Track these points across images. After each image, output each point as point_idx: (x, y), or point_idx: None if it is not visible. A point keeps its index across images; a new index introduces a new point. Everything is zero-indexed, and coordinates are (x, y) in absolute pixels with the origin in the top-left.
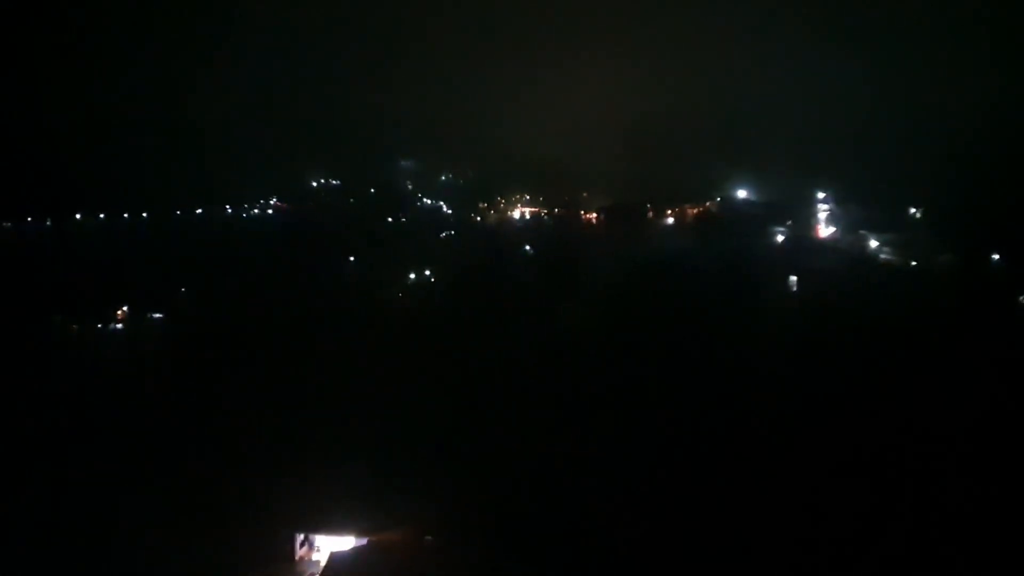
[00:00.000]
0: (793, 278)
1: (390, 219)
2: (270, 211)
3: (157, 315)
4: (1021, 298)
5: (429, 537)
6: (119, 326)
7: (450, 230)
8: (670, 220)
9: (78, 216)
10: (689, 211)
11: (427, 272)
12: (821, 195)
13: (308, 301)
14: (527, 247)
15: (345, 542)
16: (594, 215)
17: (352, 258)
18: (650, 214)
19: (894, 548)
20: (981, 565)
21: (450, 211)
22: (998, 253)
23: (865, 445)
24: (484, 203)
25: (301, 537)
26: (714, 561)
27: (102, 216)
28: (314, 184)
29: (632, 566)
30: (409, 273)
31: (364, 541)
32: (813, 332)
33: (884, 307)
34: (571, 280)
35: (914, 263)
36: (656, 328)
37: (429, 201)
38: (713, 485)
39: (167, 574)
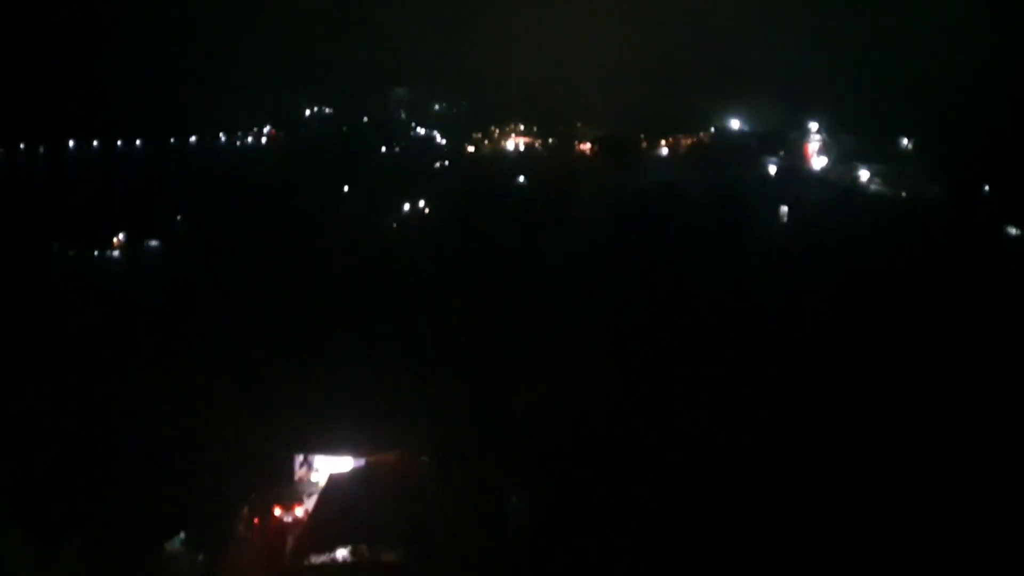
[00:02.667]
0: (784, 208)
1: (383, 148)
2: (263, 139)
3: (153, 242)
4: (1010, 229)
5: (425, 458)
6: (116, 253)
7: (444, 160)
8: (664, 150)
9: (71, 143)
10: (683, 141)
11: (421, 203)
12: (813, 125)
13: (302, 230)
14: (521, 178)
15: (343, 463)
16: (588, 145)
17: (346, 187)
18: (643, 144)
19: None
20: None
21: (444, 141)
22: (989, 184)
23: (856, 379)
24: (478, 133)
25: (300, 458)
26: (707, 488)
27: (96, 144)
28: (307, 112)
29: (626, 483)
30: (403, 203)
31: (362, 462)
32: (804, 263)
33: (874, 238)
34: (565, 211)
35: (905, 194)
36: (649, 258)
37: (423, 131)
38: (705, 413)
39: (167, 495)
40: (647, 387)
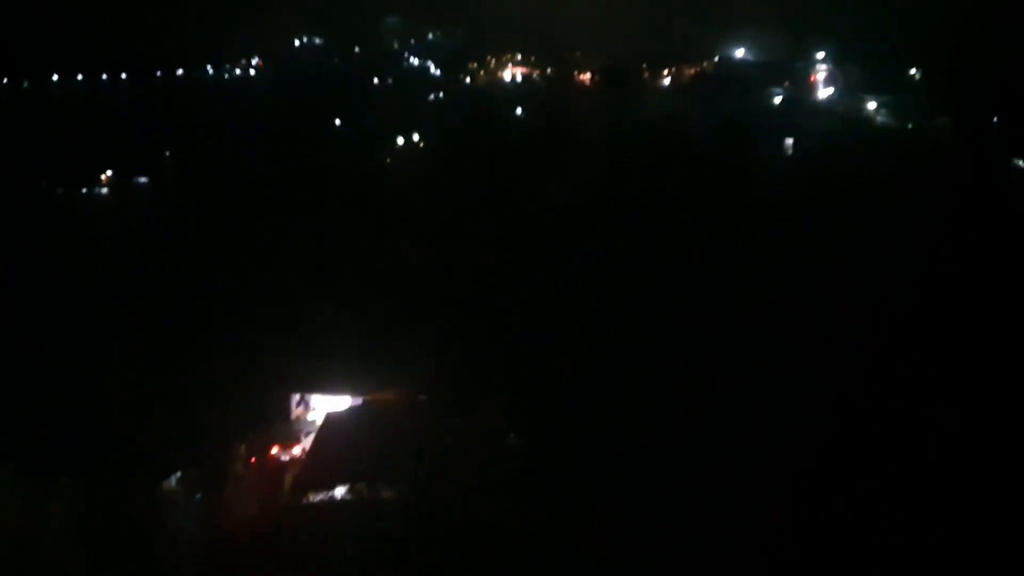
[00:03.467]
0: (789, 140)
1: (376, 80)
2: (251, 71)
3: (142, 179)
4: (1017, 160)
5: (423, 397)
6: (104, 191)
7: (438, 92)
8: (666, 81)
9: (54, 78)
10: (686, 71)
11: (415, 136)
12: (819, 55)
13: (294, 164)
14: (518, 110)
15: (340, 402)
16: (588, 76)
17: (337, 121)
18: (645, 75)
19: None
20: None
21: (438, 72)
22: (996, 116)
23: (860, 309)
24: (474, 64)
25: (297, 397)
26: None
27: (79, 78)
28: (296, 43)
29: (625, 419)
30: (397, 136)
31: (359, 401)
32: (808, 194)
33: (880, 170)
34: (564, 144)
35: (911, 126)
36: (652, 191)
37: (416, 61)
38: (707, 349)
39: (164, 434)
40: (648, 325)
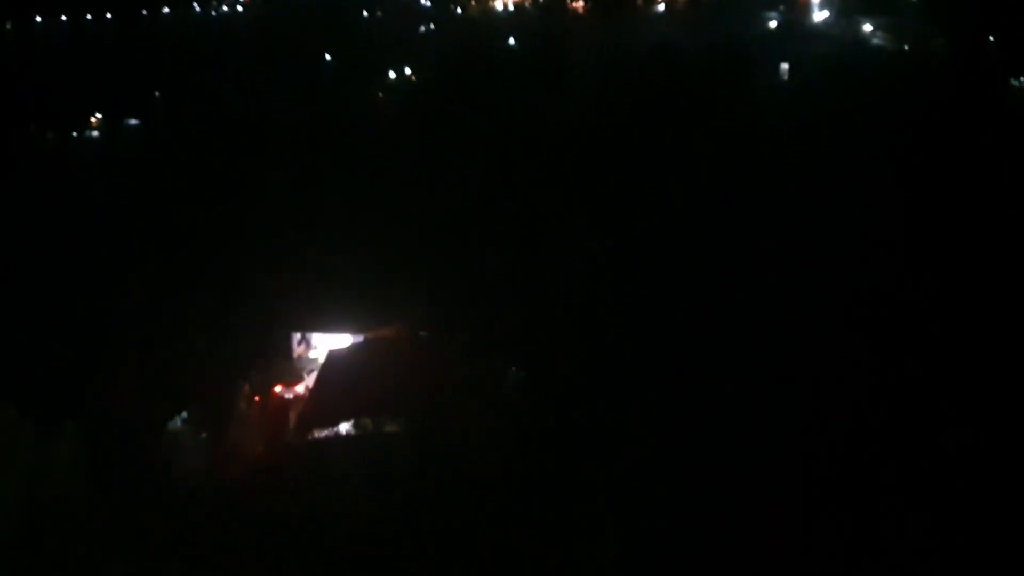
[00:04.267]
0: (785, 65)
1: (364, 12)
2: (239, 7)
3: (133, 121)
4: (1014, 81)
5: (423, 333)
6: (95, 133)
7: (429, 23)
8: (660, 6)
9: (39, 19)
10: None
11: (407, 71)
12: None
13: (286, 101)
14: (511, 40)
15: (342, 340)
16: (581, 3)
17: (327, 56)
18: (639, 1)
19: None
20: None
21: (428, 3)
22: (993, 36)
23: (857, 237)
24: None
25: (298, 336)
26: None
27: (64, 18)
28: None
29: (627, 353)
30: (388, 72)
31: (360, 338)
32: (805, 121)
33: (876, 94)
34: (559, 74)
35: (908, 47)
36: (645, 118)
37: None
38: (705, 284)
39: (168, 375)
40: (646, 261)
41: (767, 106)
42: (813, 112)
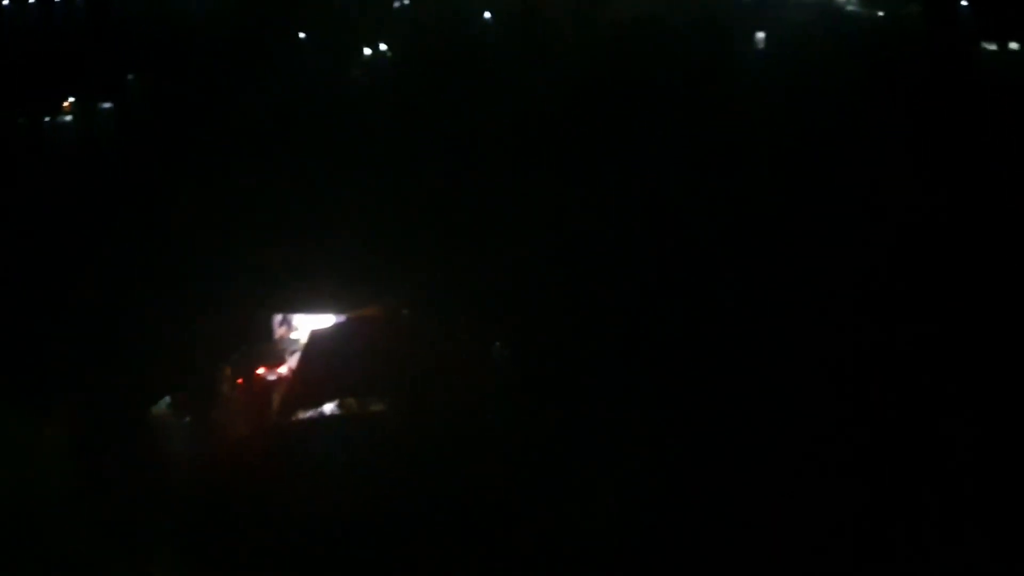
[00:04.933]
0: (760, 34)
1: None
2: None
3: (107, 104)
4: (987, 44)
5: (407, 310)
6: (68, 118)
7: None
8: None
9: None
10: None
11: (383, 47)
12: None
13: (263, 81)
14: (488, 14)
15: (324, 320)
16: None
17: (302, 34)
18: None
19: None
20: None
21: None
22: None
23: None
24: None
25: (279, 317)
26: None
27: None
28: None
29: (613, 326)
30: (363, 47)
31: (342, 318)
32: (783, 92)
33: (852, 61)
34: (543, 46)
35: (882, 13)
36: (624, 89)
37: None
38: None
39: (149, 359)
40: (629, 233)
41: (744, 75)
42: (789, 79)
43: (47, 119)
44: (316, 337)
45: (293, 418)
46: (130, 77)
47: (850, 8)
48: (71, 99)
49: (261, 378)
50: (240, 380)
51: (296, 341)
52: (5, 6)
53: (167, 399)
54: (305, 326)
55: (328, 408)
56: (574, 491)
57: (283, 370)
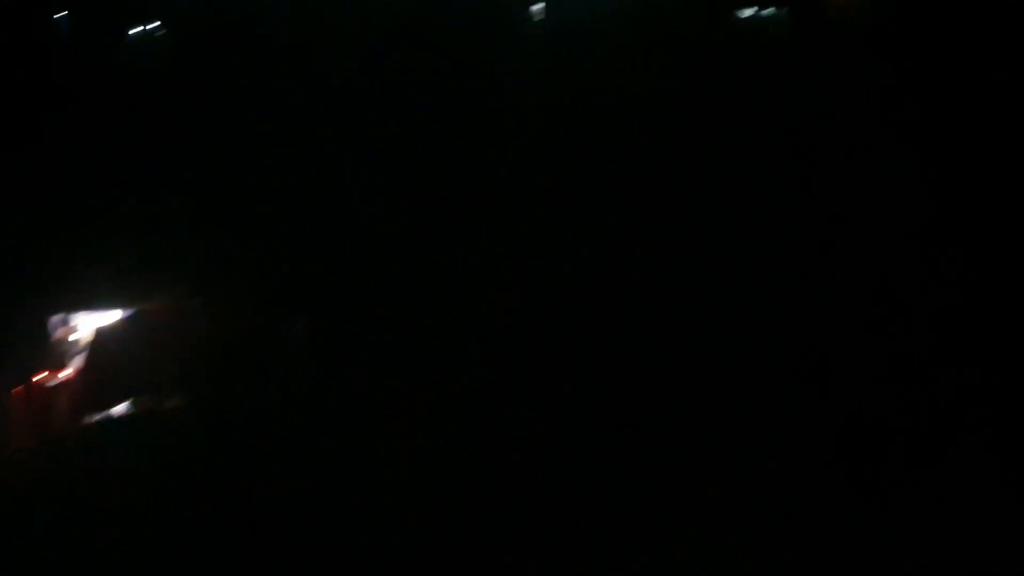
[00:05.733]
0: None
1: None
2: None
3: None
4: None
5: (197, 300)
6: None
7: None
8: None
9: None
10: None
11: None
12: None
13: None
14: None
15: (108, 316)
16: None
17: None
18: None
19: None
20: None
21: None
22: None
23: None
24: None
25: (58, 317)
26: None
27: None
28: None
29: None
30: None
31: (129, 312)
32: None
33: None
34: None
35: None
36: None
37: None
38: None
39: None
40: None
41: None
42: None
43: None
44: (102, 335)
45: (82, 422)
46: None
47: None
48: None
49: (39, 385)
50: (19, 389)
51: (77, 341)
52: None
53: None
54: (89, 324)
55: (119, 409)
56: (382, 468)
57: (66, 374)
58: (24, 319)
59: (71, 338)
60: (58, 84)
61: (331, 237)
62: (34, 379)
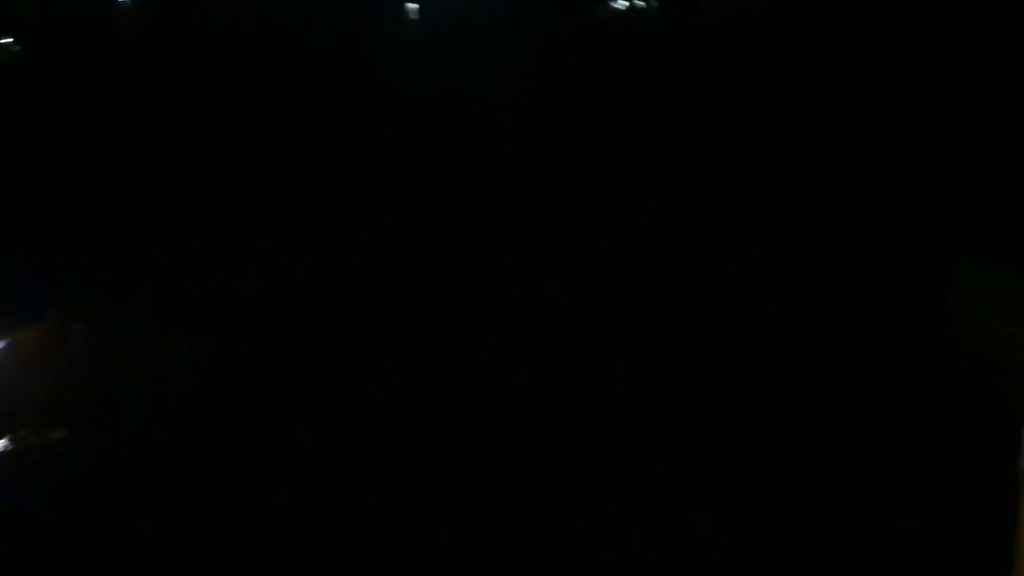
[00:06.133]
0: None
1: None
2: None
3: None
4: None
5: (77, 326)
6: None
7: None
8: None
9: None
10: None
11: None
12: None
13: None
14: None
15: None
16: None
17: None
18: None
19: None
20: None
21: None
22: None
23: None
24: None
25: None
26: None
27: None
28: None
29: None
30: None
31: (2, 344)
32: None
33: None
34: None
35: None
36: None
37: None
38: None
39: None
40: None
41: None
42: None
43: None
44: None
45: None
46: None
47: None
48: None
49: None
50: None
51: None
52: None
53: None
54: None
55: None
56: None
57: None
58: None
59: None
60: None
61: (214, 252)
62: None
